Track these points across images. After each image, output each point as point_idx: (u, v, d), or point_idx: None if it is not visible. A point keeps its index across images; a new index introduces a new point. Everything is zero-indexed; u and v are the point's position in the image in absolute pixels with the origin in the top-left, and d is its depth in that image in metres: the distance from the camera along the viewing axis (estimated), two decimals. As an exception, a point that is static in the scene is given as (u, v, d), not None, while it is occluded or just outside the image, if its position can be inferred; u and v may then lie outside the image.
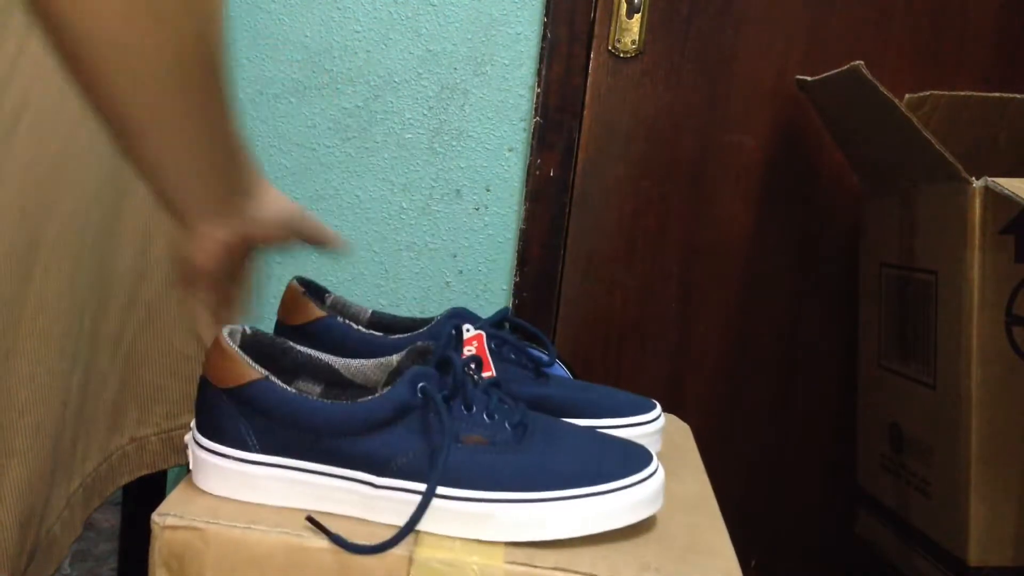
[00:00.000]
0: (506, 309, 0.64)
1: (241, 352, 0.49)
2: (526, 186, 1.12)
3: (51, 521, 0.69)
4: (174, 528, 0.46)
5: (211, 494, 0.49)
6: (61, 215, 0.65)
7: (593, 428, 0.55)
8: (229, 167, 0.48)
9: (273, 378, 0.49)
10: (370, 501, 0.48)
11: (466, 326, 0.59)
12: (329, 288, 0.68)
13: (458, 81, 1.07)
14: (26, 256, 0.62)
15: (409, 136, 1.00)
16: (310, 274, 0.63)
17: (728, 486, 0.67)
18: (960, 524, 0.87)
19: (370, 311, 0.69)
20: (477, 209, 1.08)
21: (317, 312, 0.62)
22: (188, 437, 0.52)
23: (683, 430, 0.71)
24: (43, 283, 0.64)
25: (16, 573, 0.62)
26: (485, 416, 0.49)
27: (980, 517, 0.86)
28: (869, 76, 0.88)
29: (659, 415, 0.63)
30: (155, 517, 0.46)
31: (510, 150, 1.10)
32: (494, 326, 0.61)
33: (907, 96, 1.00)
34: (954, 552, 0.89)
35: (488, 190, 1.08)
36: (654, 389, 1.18)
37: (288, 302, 0.64)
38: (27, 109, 0.61)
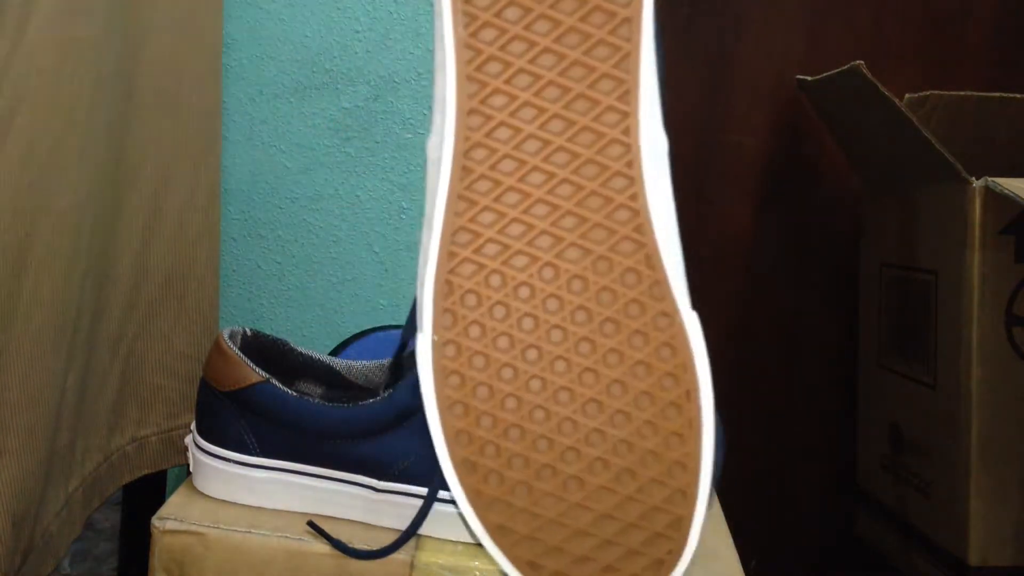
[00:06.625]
0: None
1: (241, 354, 0.49)
2: (526, 186, 1.12)
3: (47, 521, 0.69)
4: (174, 532, 0.46)
5: (211, 497, 0.49)
6: (55, 214, 0.64)
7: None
8: None
9: (274, 381, 0.48)
10: (372, 505, 0.47)
11: None
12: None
13: (458, 81, 1.06)
14: (19, 255, 0.62)
15: (409, 136, 1.00)
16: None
17: (727, 486, 0.67)
18: (960, 524, 0.87)
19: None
20: (477, 209, 1.08)
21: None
22: (188, 439, 0.52)
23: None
24: (37, 282, 0.63)
25: (9, 572, 0.62)
26: (486, 419, 0.48)
27: (980, 517, 0.86)
28: (869, 76, 0.88)
29: None
30: (155, 521, 0.46)
31: (510, 150, 1.09)
32: None
33: (907, 96, 1.00)
34: (954, 552, 0.89)
35: (488, 190, 1.08)
36: (654, 389, 1.18)
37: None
38: (21, 107, 0.60)
